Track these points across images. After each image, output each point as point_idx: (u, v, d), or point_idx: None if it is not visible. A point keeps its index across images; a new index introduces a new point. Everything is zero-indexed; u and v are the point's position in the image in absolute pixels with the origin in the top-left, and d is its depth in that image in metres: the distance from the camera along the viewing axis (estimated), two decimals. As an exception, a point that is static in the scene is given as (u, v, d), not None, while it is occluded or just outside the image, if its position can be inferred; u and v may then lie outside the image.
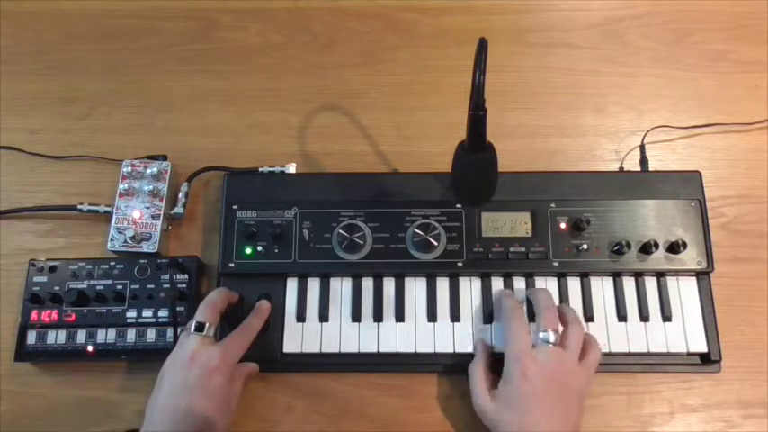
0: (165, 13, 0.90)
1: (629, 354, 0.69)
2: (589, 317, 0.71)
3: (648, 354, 0.69)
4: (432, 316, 0.71)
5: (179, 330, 0.69)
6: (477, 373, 0.66)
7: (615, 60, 0.86)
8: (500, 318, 0.69)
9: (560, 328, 0.65)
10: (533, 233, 0.72)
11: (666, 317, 0.70)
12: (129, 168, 0.78)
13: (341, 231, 0.71)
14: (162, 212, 0.76)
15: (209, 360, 0.62)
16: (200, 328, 0.63)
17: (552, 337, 0.63)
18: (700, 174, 0.74)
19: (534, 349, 0.63)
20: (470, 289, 0.72)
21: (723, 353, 0.69)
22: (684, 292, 0.71)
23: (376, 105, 0.84)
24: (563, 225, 0.72)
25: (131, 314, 0.72)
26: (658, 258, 0.71)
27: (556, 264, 0.71)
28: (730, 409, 0.70)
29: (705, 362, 0.70)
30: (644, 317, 0.70)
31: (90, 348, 0.70)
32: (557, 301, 0.70)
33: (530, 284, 0.72)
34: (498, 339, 0.69)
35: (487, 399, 0.64)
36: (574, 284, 0.72)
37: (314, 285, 0.73)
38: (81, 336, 0.71)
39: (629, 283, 0.72)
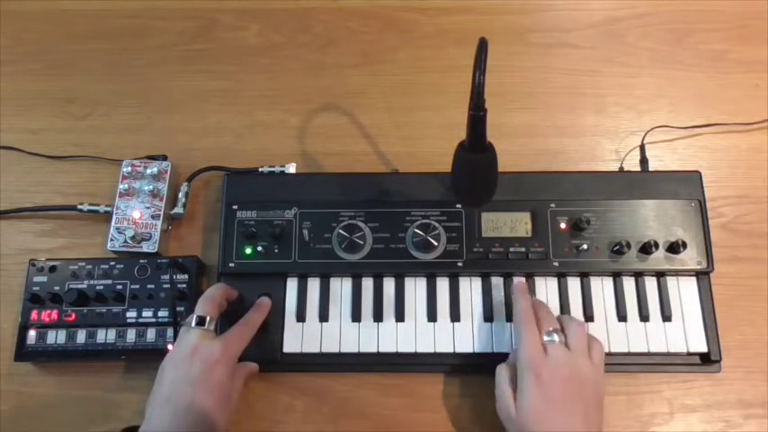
0: (165, 13, 0.90)
1: (629, 354, 0.69)
2: (589, 317, 0.71)
3: (648, 354, 0.69)
4: (432, 316, 0.71)
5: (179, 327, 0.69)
6: (505, 377, 0.64)
7: (615, 60, 0.86)
8: (513, 310, 0.68)
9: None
10: (533, 233, 0.72)
11: (666, 317, 0.70)
12: (129, 168, 0.78)
13: (341, 231, 0.71)
14: (162, 212, 0.76)
15: (211, 354, 0.62)
16: (200, 322, 0.63)
17: (557, 337, 0.63)
18: (700, 174, 0.74)
19: (545, 353, 0.62)
20: (470, 289, 0.72)
21: (723, 353, 0.69)
22: (684, 292, 0.71)
23: (376, 105, 0.84)
24: (563, 225, 0.72)
25: (131, 314, 0.72)
26: (658, 258, 0.71)
27: (556, 264, 0.71)
28: (730, 409, 0.70)
29: (705, 362, 0.70)
30: (644, 317, 0.70)
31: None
32: (556, 306, 0.71)
33: (530, 285, 0.72)
34: (499, 341, 0.70)
35: (513, 403, 0.62)
36: (574, 284, 0.72)
37: (314, 285, 0.73)
38: (81, 336, 0.71)
39: (629, 283, 0.72)
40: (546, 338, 0.63)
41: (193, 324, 0.63)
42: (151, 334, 0.71)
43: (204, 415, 0.60)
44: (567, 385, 0.60)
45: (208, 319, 0.64)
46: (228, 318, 0.68)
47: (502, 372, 0.65)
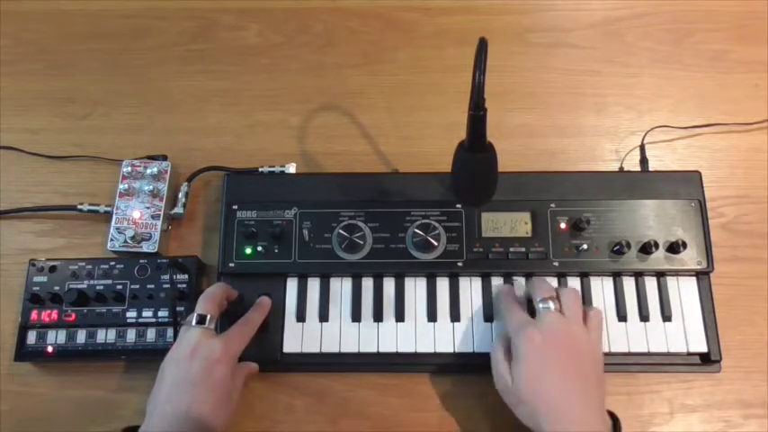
0: (165, 13, 0.90)
1: (629, 354, 0.69)
2: (589, 317, 0.71)
3: (648, 354, 0.69)
4: (432, 316, 0.71)
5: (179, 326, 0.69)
6: (498, 357, 0.64)
7: (615, 60, 0.86)
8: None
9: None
10: (533, 233, 0.72)
11: (666, 317, 0.70)
12: (129, 168, 0.78)
13: (341, 231, 0.71)
14: (162, 212, 0.76)
15: (212, 352, 0.62)
16: (201, 321, 0.64)
17: (552, 305, 0.63)
18: (700, 174, 0.74)
19: (536, 319, 0.63)
20: (470, 289, 0.72)
21: (723, 353, 0.69)
22: (684, 292, 0.71)
23: (376, 105, 0.84)
24: (563, 225, 0.72)
25: (131, 314, 0.72)
26: (658, 258, 0.71)
27: (556, 264, 0.71)
28: (730, 409, 0.70)
29: (705, 362, 0.70)
30: (644, 317, 0.70)
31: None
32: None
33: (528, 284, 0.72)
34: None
35: (508, 373, 0.62)
36: (574, 284, 0.72)
37: (314, 285, 0.73)
38: (81, 336, 0.71)
39: (629, 283, 0.72)
40: (541, 305, 0.64)
41: (194, 323, 0.63)
42: (151, 334, 0.71)
43: (205, 414, 0.60)
44: (562, 351, 0.61)
45: (208, 317, 0.64)
46: (228, 317, 0.68)
47: (496, 346, 0.65)
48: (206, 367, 0.61)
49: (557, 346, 0.61)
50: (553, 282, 0.72)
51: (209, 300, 0.65)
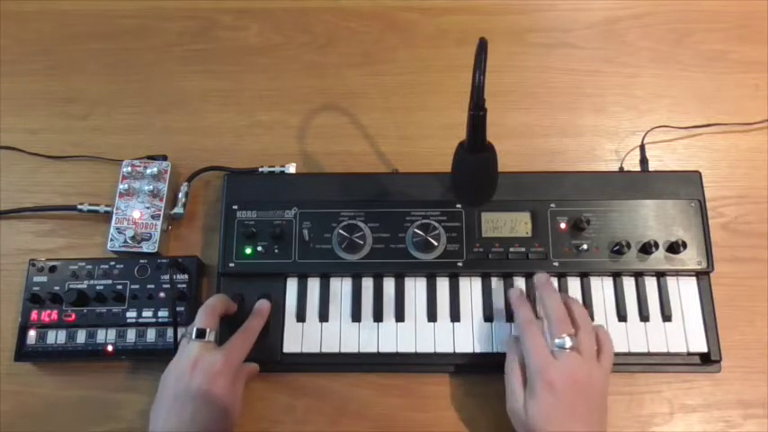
0: (165, 13, 0.90)
1: (629, 354, 0.69)
2: (589, 317, 0.71)
3: (648, 354, 0.69)
4: (432, 316, 0.71)
5: (179, 334, 0.69)
6: (516, 374, 0.64)
7: (615, 60, 0.86)
8: (514, 321, 0.69)
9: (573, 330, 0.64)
10: (533, 233, 0.72)
11: (666, 317, 0.70)
12: (129, 168, 0.78)
13: (341, 231, 0.71)
14: (162, 212, 0.76)
15: (213, 365, 0.62)
16: (201, 334, 0.64)
17: (568, 343, 0.62)
18: (700, 174, 0.74)
19: (554, 358, 0.62)
20: (470, 289, 0.72)
21: (723, 353, 0.69)
22: (684, 292, 0.71)
23: (376, 105, 0.84)
24: (563, 225, 0.72)
25: (131, 314, 0.72)
26: (658, 258, 0.71)
27: (556, 264, 0.71)
28: (730, 409, 0.70)
29: (705, 362, 0.70)
30: (644, 317, 0.70)
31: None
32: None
33: (530, 284, 0.71)
34: (499, 341, 0.70)
35: (522, 405, 0.62)
36: (574, 284, 0.72)
37: (314, 285, 0.73)
38: (81, 336, 0.71)
39: (629, 283, 0.72)
40: (557, 341, 0.62)
41: (194, 336, 0.64)
42: (151, 334, 0.71)
43: (208, 426, 0.60)
44: (578, 391, 0.61)
45: (208, 331, 0.64)
46: (228, 321, 0.68)
47: (513, 366, 0.65)
48: (207, 381, 0.61)
49: (573, 389, 0.61)
50: (554, 282, 0.71)
51: (209, 312, 0.65)
